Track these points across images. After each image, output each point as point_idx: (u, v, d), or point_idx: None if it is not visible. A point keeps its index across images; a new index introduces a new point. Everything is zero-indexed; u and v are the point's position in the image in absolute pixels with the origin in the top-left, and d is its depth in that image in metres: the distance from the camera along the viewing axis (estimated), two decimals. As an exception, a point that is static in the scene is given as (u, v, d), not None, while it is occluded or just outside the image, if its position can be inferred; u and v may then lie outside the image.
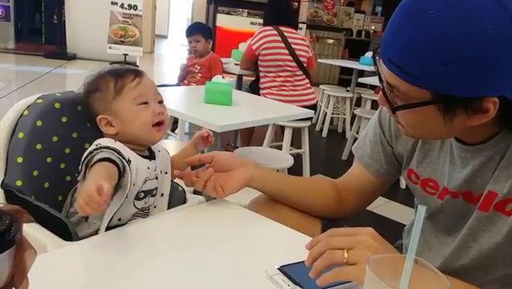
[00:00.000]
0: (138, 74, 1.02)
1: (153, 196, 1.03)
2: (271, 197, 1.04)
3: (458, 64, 0.62)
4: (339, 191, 1.06)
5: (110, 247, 0.78)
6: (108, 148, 0.91)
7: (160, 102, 1.03)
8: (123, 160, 0.90)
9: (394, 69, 0.68)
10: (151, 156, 1.03)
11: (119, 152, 0.91)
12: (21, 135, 1.00)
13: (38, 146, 1.01)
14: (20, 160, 0.98)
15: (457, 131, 0.73)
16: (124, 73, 1.01)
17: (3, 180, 0.98)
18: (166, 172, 1.08)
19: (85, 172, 0.89)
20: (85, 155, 0.91)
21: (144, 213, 1.00)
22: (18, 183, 0.97)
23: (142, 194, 0.99)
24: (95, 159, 0.88)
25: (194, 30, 3.49)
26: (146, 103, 0.99)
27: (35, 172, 1.00)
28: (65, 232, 0.85)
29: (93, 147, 0.93)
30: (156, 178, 1.02)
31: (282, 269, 0.70)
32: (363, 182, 1.03)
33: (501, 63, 0.62)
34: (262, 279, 0.70)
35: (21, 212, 0.41)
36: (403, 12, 0.67)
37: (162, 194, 1.07)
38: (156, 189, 1.03)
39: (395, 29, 0.68)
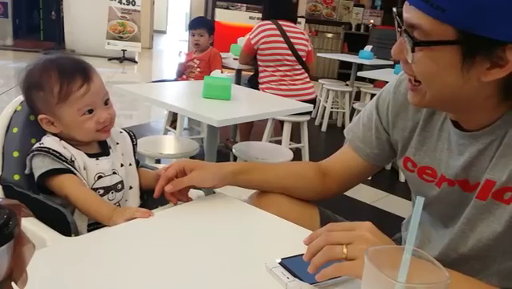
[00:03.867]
0: (86, 78, 0.96)
1: (119, 191, 1.02)
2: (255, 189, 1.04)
3: None
4: (322, 173, 1.05)
5: (109, 242, 0.78)
6: (49, 151, 0.93)
7: (107, 101, 1.01)
8: (66, 163, 0.93)
9: (421, 4, 0.66)
10: (103, 152, 1.02)
11: (59, 156, 0.93)
12: (15, 130, 1.00)
13: (33, 140, 1.01)
14: (16, 154, 0.99)
15: (469, 90, 0.70)
16: (71, 76, 0.95)
17: (0, 175, 0.98)
18: (130, 164, 1.07)
19: (30, 167, 0.95)
20: (29, 152, 0.95)
21: None
22: (16, 177, 0.98)
23: (101, 191, 0.99)
24: (43, 166, 0.93)
25: (199, 24, 3.47)
26: (91, 110, 0.97)
27: None
28: (63, 222, 0.85)
29: (36, 145, 0.96)
30: (115, 173, 1.02)
31: (281, 262, 0.70)
32: (350, 164, 1.03)
33: None
34: (262, 272, 0.70)
35: (19, 206, 0.41)
36: None
37: (131, 187, 1.06)
38: (120, 183, 1.02)
39: None
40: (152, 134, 3.73)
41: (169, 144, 2.38)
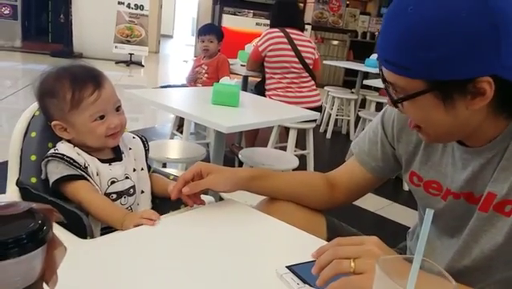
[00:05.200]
0: (98, 85, 0.98)
1: (131, 195, 1.04)
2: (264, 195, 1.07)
3: (439, 48, 0.67)
4: (330, 184, 1.08)
5: (124, 245, 0.80)
6: (63, 157, 0.96)
7: (118, 108, 1.03)
8: (79, 170, 0.96)
9: (390, 67, 0.75)
10: (117, 157, 1.05)
11: (73, 162, 0.96)
12: (33, 134, 1.03)
13: (50, 144, 1.04)
14: (34, 157, 1.02)
15: (463, 121, 0.74)
16: (83, 83, 0.97)
17: (18, 178, 1.01)
18: (142, 169, 1.09)
19: (46, 172, 0.98)
20: (44, 157, 0.98)
21: None
22: (33, 180, 1.01)
23: (114, 196, 1.02)
24: (57, 172, 0.96)
25: (210, 29, 3.51)
26: (103, 116, 0.99)
27: None
28: (79, 225, 0.88)
29: (51, 151, 0.98)
30: (127, 178, 1.04)
31: (291, 268, 0.72)
32: (356, 177, 1.06)
33: (481, 42, 0.66)
34: (271, 278, 0.72)
35: (51, 210, 0.43)
36: (387, 16, 0.75)
37: (142, 191, 1.08)
38: (132, 187, 1.05)
39: (384, 32, 0.76)
40: (158, 138, 3.76)
41: (177, 149, 2.40)
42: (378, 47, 0.78)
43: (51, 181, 0.97)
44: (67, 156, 0.96)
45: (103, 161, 1.02)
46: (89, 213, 0.96)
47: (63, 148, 0.99)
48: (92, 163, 1.00)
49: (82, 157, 0.99)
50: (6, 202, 0.43)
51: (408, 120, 0.82)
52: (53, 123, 1.00)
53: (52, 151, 0.99)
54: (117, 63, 7.83)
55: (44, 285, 0.43)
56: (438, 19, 0.67)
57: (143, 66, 8.10)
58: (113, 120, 1.00)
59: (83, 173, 0.96)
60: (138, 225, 0.86)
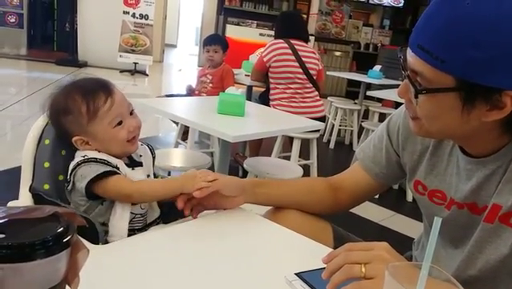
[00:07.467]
0: (109, 93, 1.01)
1: None
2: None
3: (485, 50, 0.65)
4: (334, 189, 1.10)
5: (133, 253, 0.81)
6: (96, 160, 0.97)
7: (132, 111, 1.05)
8: (114, 168, 0.98)
9: (422, 54, 0.70)
10: (135, 163, 1.07)
11: (107, 163, 0.98)
12: (47, 141, 1.05)
13: (63, 152, 1.06)
14: (47, 164, 1.03)
15: (470, 128, 0.74)
16: (95, 93, 0.99)
17: (31, 184, 1.03)
18: (149, 176, 1.12)
19: (73, 182, 0.98)
20: (72, 166, 0.98)
21: (143, 218, 1.05)
22: (46, 186, 1.02)
23: None
24: (91, 171, 0.95)
25: (215, 40, 3.55)
26: (121, 122, 1.01)
27: (61, 177, 1.05)
28: (92, 232, 0.90)
29: (80, 159, 0.98)
30: None
31: (300, 275, 0.73)
32: (360, 182, 1.08)
33: None
34: (280, 285, 0.73)
35: (74, 214, 0.45)
36: (439, 1, 0.70)
37: None
38: None
39: (430, 16, 0.71)
40: (162, 146, 3.77)
41: (182, 157, 2.42)
42: (414, 31, 0.73)
43: (86, 181, 0.95)
44: (100, 159, 0.98)
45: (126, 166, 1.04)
46: (142, 200, 1.00)
47: (92, 153, 1.00)
48: (121, 165, 1.02)
49: (112, 159, 1.01)
50: (32, 206, 0.44)
51: (405, 109, 0.82)
52: (74, 139, 1.01)
53: (80, 158, 0.98)
54: (122, 71, 7.89)
55: (67, 286, 0.44)
56: (496, 21, 0.64)
57: (147, 75, 8.15)
58: (131, 123, 1.03)
59: (117, 170, 0.98)
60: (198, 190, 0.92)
